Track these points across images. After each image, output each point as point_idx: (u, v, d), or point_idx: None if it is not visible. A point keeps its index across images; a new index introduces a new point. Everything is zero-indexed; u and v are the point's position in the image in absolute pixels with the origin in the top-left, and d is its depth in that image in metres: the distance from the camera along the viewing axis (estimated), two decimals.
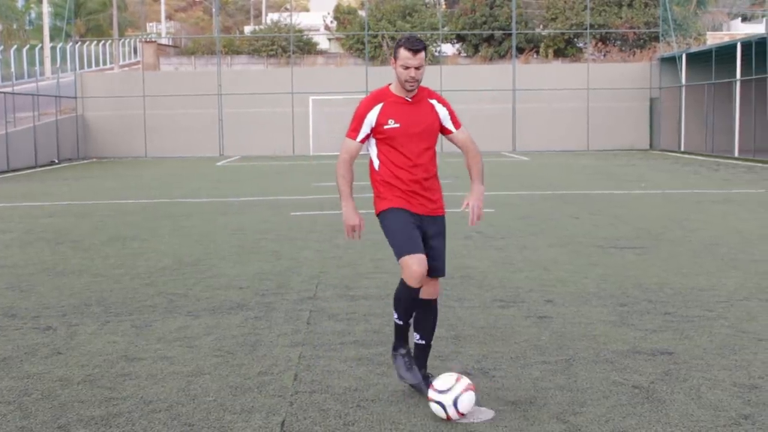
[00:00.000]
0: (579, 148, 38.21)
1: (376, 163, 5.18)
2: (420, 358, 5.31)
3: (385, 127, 5.09)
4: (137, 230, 13.03)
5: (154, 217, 14.71)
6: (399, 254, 5.01)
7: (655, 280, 8.65)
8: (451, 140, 5.32)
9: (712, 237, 11.52)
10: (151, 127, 37.98)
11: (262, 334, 6.70)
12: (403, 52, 5.00)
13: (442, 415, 4.78)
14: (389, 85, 5.21)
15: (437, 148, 5.31)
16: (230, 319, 7.23)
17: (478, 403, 5.00)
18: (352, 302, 7.70)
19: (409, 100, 5.13)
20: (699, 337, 6.45)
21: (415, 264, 4.93)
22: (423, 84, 5.19)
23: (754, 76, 30.51)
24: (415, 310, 5.17)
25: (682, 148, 35.94)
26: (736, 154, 31.02)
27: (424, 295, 5.17)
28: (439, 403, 4.78)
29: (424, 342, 5.30)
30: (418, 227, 5.10)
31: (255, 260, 10.17)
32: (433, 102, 5.21)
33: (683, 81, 36.22)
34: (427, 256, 5.05)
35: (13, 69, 39.53)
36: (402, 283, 5.05)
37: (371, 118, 5.11)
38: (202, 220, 14.16)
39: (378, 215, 5.19)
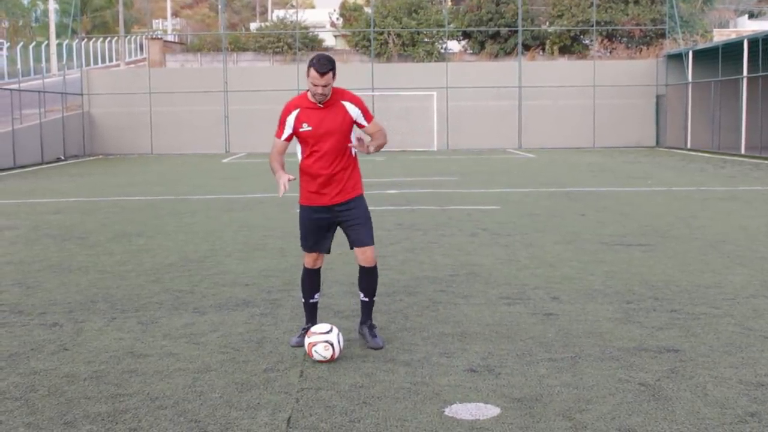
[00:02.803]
0: (585, 145, 38.15)
1: (299, 158, 6.19)
2: (365, 311, 6.34)
3: (301, 130, 6.03)
4: (143, 227, 13.05)
5: (160, 214, 14.73)
6: (302, 247, 6.31)
7: (661, 277, 8.64)
8: (365, 132, 6.24)
9: (718, 234, 11.50)
10: (156, 123, 38.01)
11: (268, 330, 6.71)
12: (312, 72, 5.85)
13: (329, 353, 5.75)
14: (307, 91, 6.04)
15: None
16: (236, 315, 7.24)
17: (483, 400, 5.00)
18: (358, 299, 7.69)
19: (321, 105, 6.01)
20: (705, 334, 6.44)
21: (307, 256, 6.29)
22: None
23: (761, 73, 30.42)
24: (312, 291, 6.34)
25: (689, 146, 35.86)
26: (743, 152, 30.93)
27: (361, 263, 6.22)
28: (327, 342, 5.76)
29: (367, 299, 6.33)
30: (324, 219, 6.15)
31: (261, 257, 10.18)
32: (345, 103, 6.07)
33: (690, 78, 36.14)
34: (350, 234, 6.15)
35: (19, 66, 39.65)
36: (303, 267, 6.35)
37: (290, 122, 6.06)
38: (208, 217, 14.17)
39: (299, 204, 6.32)
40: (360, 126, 6.17)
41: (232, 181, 22.01)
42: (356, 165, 6.26)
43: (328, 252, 6.36)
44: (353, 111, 6.08)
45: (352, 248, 6.27)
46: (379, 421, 4.74)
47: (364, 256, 6.19)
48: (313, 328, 5.93)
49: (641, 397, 5.05)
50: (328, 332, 5.83)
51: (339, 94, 6.08)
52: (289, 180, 6.05)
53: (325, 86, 5.89)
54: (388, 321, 6.95)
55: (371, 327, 6.30)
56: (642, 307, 7.33)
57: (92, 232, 12.63)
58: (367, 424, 4.69)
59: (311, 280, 6.36)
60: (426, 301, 7.70)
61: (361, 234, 6.15)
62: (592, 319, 6.93)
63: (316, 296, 6.39)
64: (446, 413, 4.84)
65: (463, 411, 4.86)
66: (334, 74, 5.92)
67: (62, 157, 34.18)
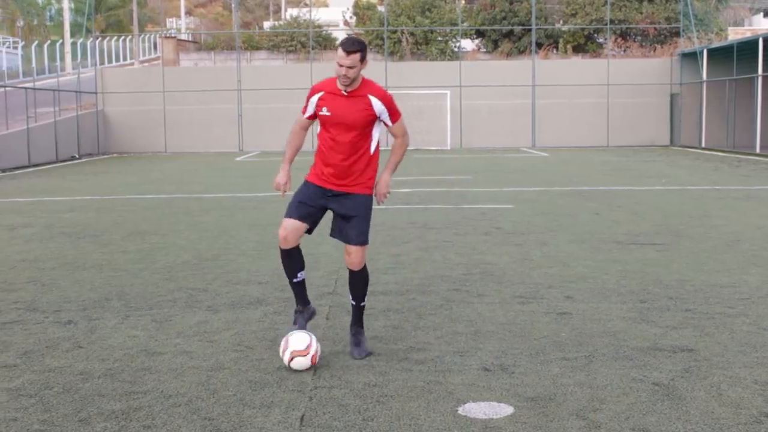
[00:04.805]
0: (599, 144, 38.04)
1: (316, 140, 6.06)
2: (355, 316, 6.10)
3: (320, 113, 5.89)
4: (157, 225, 13.08)
5: (174, 212, 14.77)
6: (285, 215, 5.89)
7: (675, 276, 8.60)
8: (389, 131, 5.99)
9: (733, 233, 11.45)
10: (170, 122, 38.12)
11: (282, 329, 6.71)
12: (339, 51, 5.63)
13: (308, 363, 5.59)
14: (337, 77, 5.78)
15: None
16: (250, 313, 7.25)
17: (497, 399, 4.99)
18: (371, 297, 7.68)
19: (345, 93, 5.77)
20: (720, 334, 6.41)
21: (282, 225, 5.84)
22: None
23: None
24: (292, 268, 5.95)
25: (703, 145, 35.71)
26: (758, 151, 30.77)
27: (347, 264, 5.95)
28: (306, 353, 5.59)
29: (355, 303, 6.08)
30: (321, 200, 5.87)
31: (274, 255, 10.17)
32: (371, 98, 5.76)
33: (704, 77, 35.99)
34: (339, 227, 5.88)
35: (34, 64, 39.84)
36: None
37: (313, 102, 5.96)
38: (222, 215, 14.20)
39: (304, 180, 6.06)
40: (385, 125, 5.87)
41: (246, 180, 22.05)
42: (373, 164, 5.90)
43: (309, 232, 5.93)
44: (377, 106, 5.74)
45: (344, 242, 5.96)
46: (392, 419, 4.73)
47: (349, 257, 5.88)
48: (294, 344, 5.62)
49: (655, 397, 5.03)
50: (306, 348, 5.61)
51: (368, 87, 5.76)
52: (287, 187, 6.00)
53: (350, 68, 5.56)
54: (401, 320, 6.94)
55: (356, 333, 6.04)
56: (656, 307, 7.30)
57: (106, 230, 12.68)
58: (380, 423, 4.69)
59: (288, 259, 5.91)
60: (439, 299, 7.69)
61: (348, 232, 5.82)
62: (605, 319, 6.91)
63: (299, 275, 6.00)
64: (459, 412, 4.83)
65: (476, 410, 4.86)
66: (362, 58, 5.59)
67: (76, 156, 34.32)
